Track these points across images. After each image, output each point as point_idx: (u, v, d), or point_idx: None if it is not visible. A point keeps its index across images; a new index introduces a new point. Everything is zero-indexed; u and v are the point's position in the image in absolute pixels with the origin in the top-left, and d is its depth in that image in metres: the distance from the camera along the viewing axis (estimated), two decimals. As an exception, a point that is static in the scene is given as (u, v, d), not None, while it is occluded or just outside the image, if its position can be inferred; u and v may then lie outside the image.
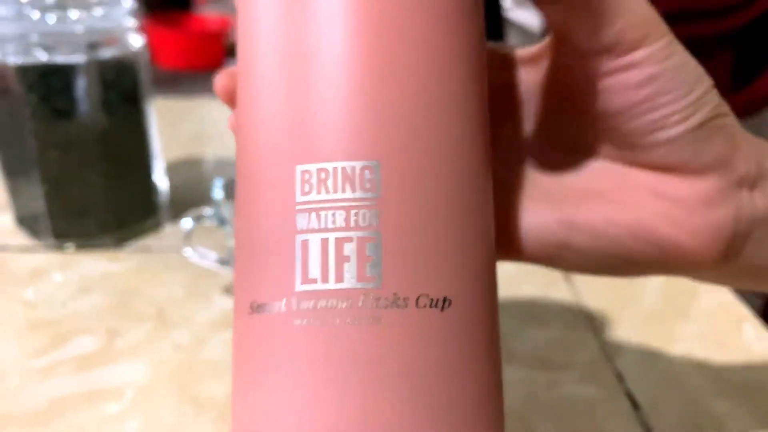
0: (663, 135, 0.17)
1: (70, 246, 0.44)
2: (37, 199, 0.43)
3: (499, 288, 0.17)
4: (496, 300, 0.17)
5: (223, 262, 0.38)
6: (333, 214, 0.15)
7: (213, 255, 0.38)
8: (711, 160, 0.18)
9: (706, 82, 0.18)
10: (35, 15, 0.40)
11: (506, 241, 0.19)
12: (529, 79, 0.20)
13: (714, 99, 0.18)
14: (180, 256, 0.43)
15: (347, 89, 0.15)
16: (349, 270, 0.15)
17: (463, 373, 0.15)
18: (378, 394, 0.14)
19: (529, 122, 0.20)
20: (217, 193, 0.37)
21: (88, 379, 0.33)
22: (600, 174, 0.19)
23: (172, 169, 0.55)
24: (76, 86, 0.41)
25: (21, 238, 0.46)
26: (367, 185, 0.15)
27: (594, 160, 0.20)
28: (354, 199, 0.15)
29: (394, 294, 0.15)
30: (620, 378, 0.33)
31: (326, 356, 0.15)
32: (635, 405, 0.32)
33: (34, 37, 0.40)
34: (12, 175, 0.44)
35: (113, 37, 0.43)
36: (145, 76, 0.45)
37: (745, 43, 1.51)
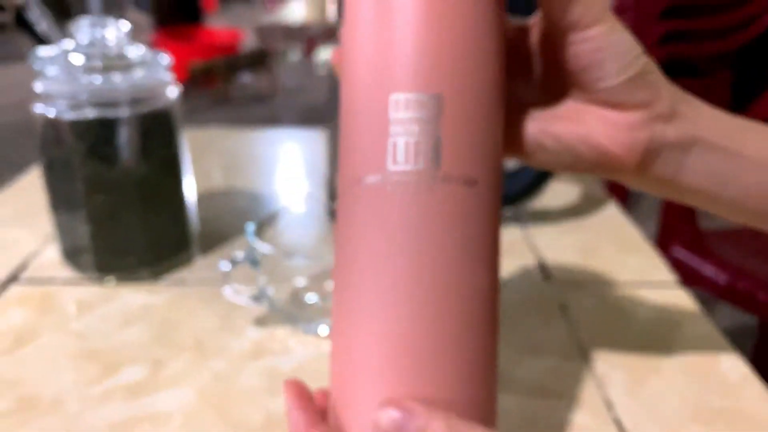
0: (605, 84, 0.27)
1: (111, 279, 0.49)
2: (82, 236, 0.48)
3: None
4: (502, 183, 0.27)
5: (256, 298, 0.42)
6: (412, 126, 0.25)
7: (247, 292, 0.43)
8: (637, 101, 0.27)
9: (636, 50, 0.27)
10: (84, 77, 0.44)
11: (507, 141, 0.29)
12: (529, 42, 0.30)
13: (641, 61, 0.27)
14: (213, 290, 0.48)
15: (422, 47, 0.25)
16: (420, 160, 0.25)
17: (482, 225, 0.26)
18: (430, 234, 0.25)
19: (528, 71, 0.30)
20: (251, 238, 0.41)
21: (140, 406, 0.37)
22: (567, 105, 0.29)
23: (200, 202, 0.59)
24: (120, 137, 0.46)
25: (66, 271, 0.50)
26: (435, 110, 0.25)
27: (564, 96, 0.29)
28: (426, 117, 0.25)
29: (445, 174, 0.25)
30: (609, 406, 0.38)
31: (405, 210, 0.25)
32: (622, 430, 0.36)
33: (84, 96, 0.44)
34: (60, 214, 0.49)
35: (152, 93, 0.47)
36: (179, 123, 0.50)
37: (745, 62, 1.54)
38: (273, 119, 3.14)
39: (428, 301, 0.24)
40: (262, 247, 0.41)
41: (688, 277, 0.81)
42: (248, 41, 3.85)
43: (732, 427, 0.36)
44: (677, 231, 0.87)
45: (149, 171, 0.48)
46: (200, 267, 0.52)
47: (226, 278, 0.42)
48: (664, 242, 0.87)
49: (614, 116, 0.28)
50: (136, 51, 0.47)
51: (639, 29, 1.56)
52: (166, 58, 0.48)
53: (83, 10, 1.18)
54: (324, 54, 4.71)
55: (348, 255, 0.26)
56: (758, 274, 0.81)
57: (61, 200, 0.48)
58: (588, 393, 0.39)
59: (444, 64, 0.25)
